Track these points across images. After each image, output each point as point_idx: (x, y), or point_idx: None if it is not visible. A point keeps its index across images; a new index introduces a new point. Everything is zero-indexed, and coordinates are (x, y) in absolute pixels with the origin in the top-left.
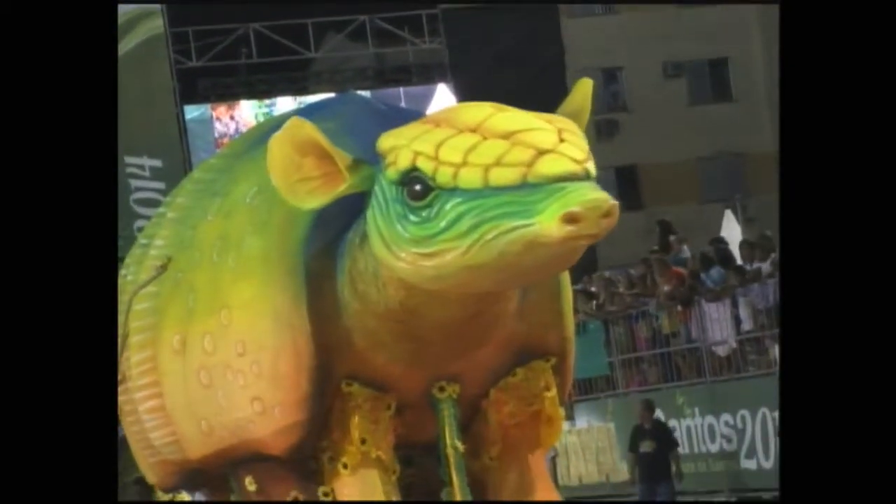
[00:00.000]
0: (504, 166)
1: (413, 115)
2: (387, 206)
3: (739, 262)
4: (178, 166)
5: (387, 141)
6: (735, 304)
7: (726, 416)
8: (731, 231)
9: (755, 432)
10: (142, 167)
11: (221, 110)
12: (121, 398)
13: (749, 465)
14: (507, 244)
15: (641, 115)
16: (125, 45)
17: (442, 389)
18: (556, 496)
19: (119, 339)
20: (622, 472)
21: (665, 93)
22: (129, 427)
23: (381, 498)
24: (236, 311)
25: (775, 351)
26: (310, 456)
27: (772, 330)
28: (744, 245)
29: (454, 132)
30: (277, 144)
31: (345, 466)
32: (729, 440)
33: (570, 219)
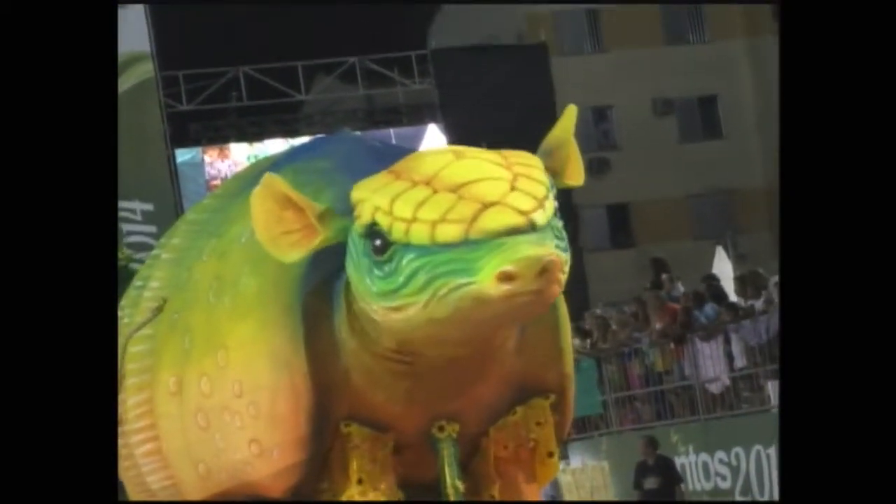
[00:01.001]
0: (448, 223)
1: (406, 152)
2: (358, 258)
3: (732, 298)
4: (169, 210)
5: (356, 192)
6: (727, 341)
7: (720, 454)
8: (723, 268)
9: (749, 470)
10: (133, 211)
11: (213, 153)
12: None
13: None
14: (457, 300)
15: (632, 152)
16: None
17: (441, 429)
18: None
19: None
20: None
21: (655, 130)
22: (126, 472)
23: None
24: (233, 352)
25: (769, 388)
26: (308, 498)
27: (765, 367)
28: (736, 282)
29: (409, 185)
30: (258, 199)
31: None
32: (723, 478)
33: (506, 277)
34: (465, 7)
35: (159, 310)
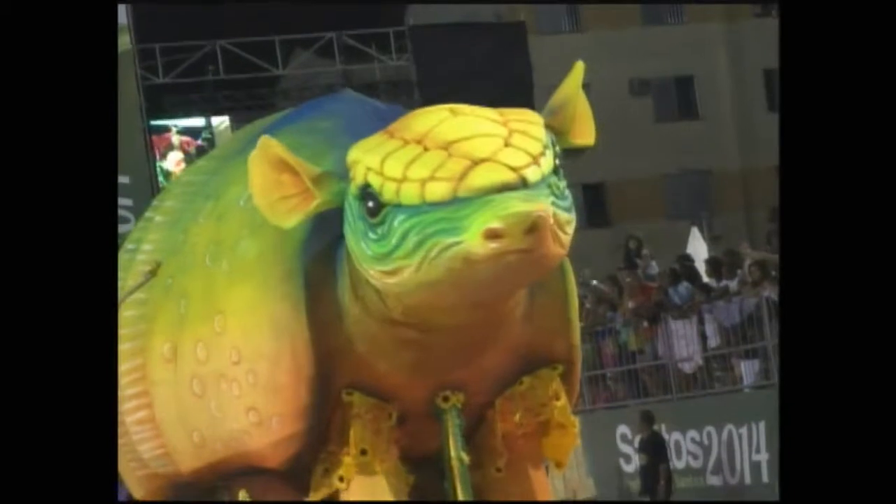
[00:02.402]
0: (437, 181)
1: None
2: (353, 222)
3: (706, 279)
4: (145, 183)
5: (352, 154)
6: (701, 322)
7: (692, 433)
8: (697, 248)
9: (721, 449)
10: None
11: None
12: None
13: (715, 481)
14: (449, 261)
15: (608, 132)
16: None
17: (446, 399)
18: None
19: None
20: (589, 488)
21: (631, 110)
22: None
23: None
24: (231, 318)
25: (741, 368)
26: (307, 469)
27: (738, 347)
28: (710, 262)
29: (401, 144)
30: (254, 163)
31: (341, 479)
32: (695, 457)
33: (492, 235)
34: None
35: (153, 273)
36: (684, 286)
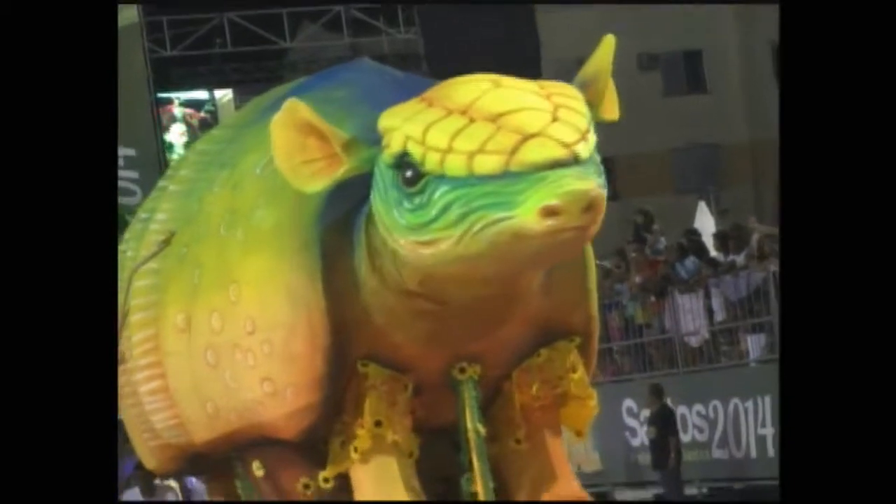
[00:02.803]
0: (487, 153)
1: (429, 83)
2: (385, 190)
3: (713, 253)
4: (152, 155)
5: (384, 120)
6: (708, 296)
7: (698, 407)
8: (705, 222)
9: (727, 423)
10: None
11: None
12: (119, 379)
13: (720, 455)
14: (494, 235)
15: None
16: None
17: (462, 370)
18: (575, 485)
19: (118, 318)
20: (594, 461)
21: (640, 84)
22: (128, 410)
23: (399, 483)
24: (246, 287)
25: (747, 342)
26: (321, 440)
27: (744, 321)
28: (717, 236)
29: (444, 113)
30: (278, 127)
31: (355, 450)
32: (700, 430)
33: (549, 212)
34: None
35: (166, 243)
36: (691, 260)
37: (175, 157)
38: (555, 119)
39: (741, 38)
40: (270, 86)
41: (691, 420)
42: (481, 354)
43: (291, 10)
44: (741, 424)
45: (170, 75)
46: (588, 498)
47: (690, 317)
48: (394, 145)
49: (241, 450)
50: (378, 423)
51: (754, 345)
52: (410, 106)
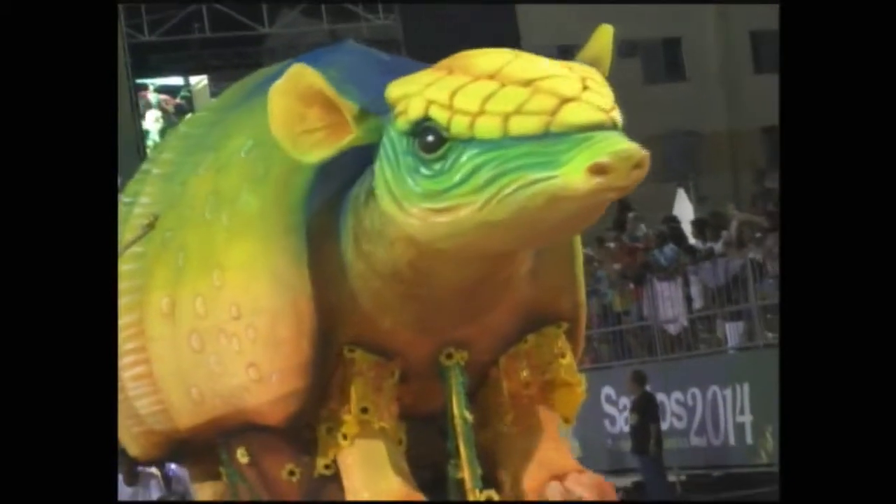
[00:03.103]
0: (525, 115)
1: (419, 66)
2: (396, 158)
3: (692, 240)
4: (129, 141)
5: (397, 89)
6: (686, 283)
7: (677, 394)
8: (684, 210)
9: (705, 410)
10: None
11: None
12: None
13: (699, 442)
14: (527, 198)
15: None
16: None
17: (450, 356)
18: (573, 462)
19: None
20: (574, 449)
21: (619, 71)
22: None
23: (388, 468)
24: (231, 272)
25: (725, 329)
26: (307, 426)
27: (722, 308)
28: (696, 224)
29: (470, 79)
30: (279, 94)
31: (344, 437)
32: (679, 418)
33: (599, 170)
34: None
35: (150, 227)
36: (670, 248)
37: (150, 143)
38: (585, 87)
39: (720, 25)
40: (248, 72)
41: (670, 407)
42: (469, 340)
43: None
44: (719, 412)
45: (148, 61)
46: (585, 473)
47: (669, 304)
48: (412, 112)
49: (226, 436)
50: (364, 410)
51: (732, 332)
52: (427, 74)
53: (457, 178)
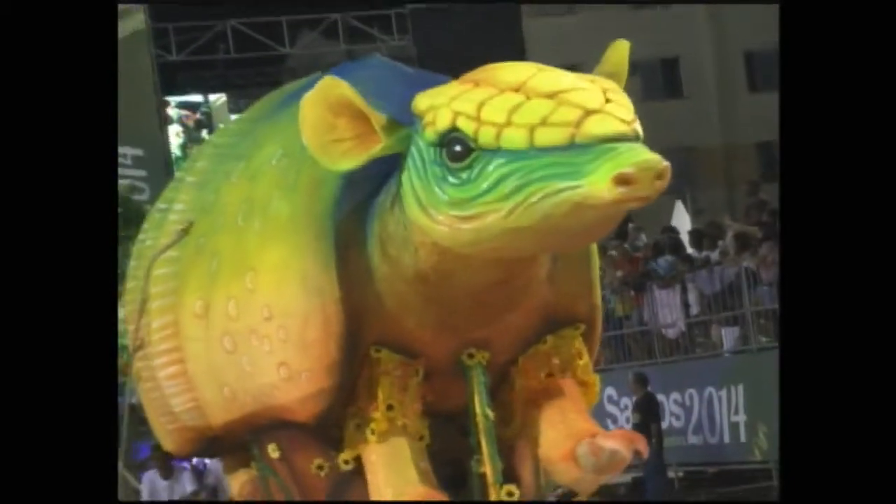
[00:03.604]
0: (550, 126)
1: (441, 80)
2: (424, 168)
3: (689, 250)
4: (158, 155)
5: (424, 101)
6: (684, 290)
7: (675, 395)
8: (682, 221)
9: (701, 410)
10: (124, 156)
11: None
12: (138, 364)
13: (695, 440)
14: (552, 206)
15: None
16: None
17: (471, 356)
18: (597, 427)
19: (137, 305)
20: None
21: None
22: (148, 394)
23: (410, 465)
24: (262, 276)
25: (721, 333)
26: (334, 423)
27: (718, 314)
28: (693, 234)
29: (496, 92)
30: (310, 104)
31: (372, 433)
32: (677, 417)
33: (623, 180)
34: None
35: (185, 232)
36: (669, 257)
37: (172, 157)
38: (608, 100)
39: (715, 45)
40: (269, 90)
41: (668, 408)
42: (490, 340)
43: (291, 18)
44: (715, 412)
45: (175, 79)
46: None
47: (668, 310)
48: (440, 123)
49: (257, 432)
50: (390, 407)
51: (728, 337)
52: (453, 87)
53: (483, 186)
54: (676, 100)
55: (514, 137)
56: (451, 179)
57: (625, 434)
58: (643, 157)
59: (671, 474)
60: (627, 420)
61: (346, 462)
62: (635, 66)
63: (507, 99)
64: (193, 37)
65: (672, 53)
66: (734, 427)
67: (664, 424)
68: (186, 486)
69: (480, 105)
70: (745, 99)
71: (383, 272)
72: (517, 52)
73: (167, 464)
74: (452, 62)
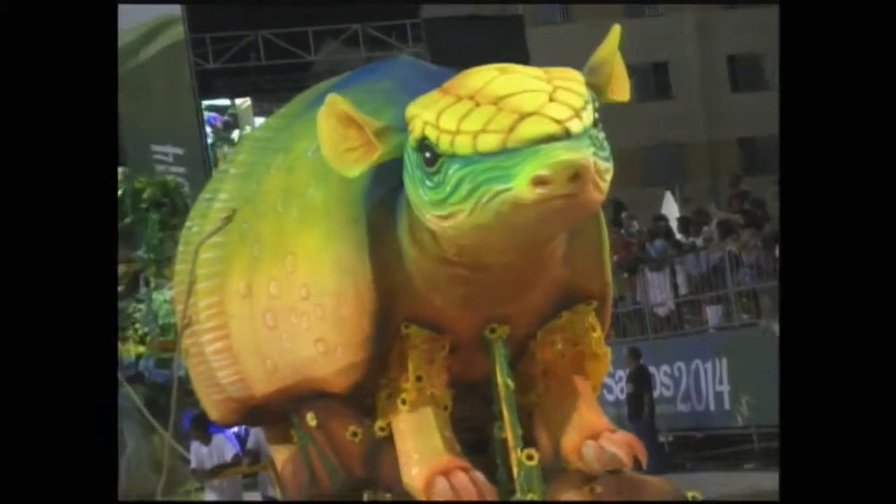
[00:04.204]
0: (488, 133)
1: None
2: (412, 171)
3: (677, 235)
4: (197, 153)
5: (410, 109)
6: (673, 273)
7: (665, 367)
8: (671, 209)
9: (689, 381)
10: (166, 154)
11: None
12: (187, 341)
13: (684, 408)
14: (498, 205)
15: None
16: (152, 49)
17: (493, 331)
18: (606, 421)
19: (185, 286)
20: None
21: None
22: (195, 368)
23: (435, 432)
24: (301, 258)
25: (706, 312)
26: (368, 394)
27: (704, 294)
28: (681, 221)
29: (455, 100)
30: (323, 119)
31: (403, 402)
32: (667, 387)
33: (539, 181)
34: None
35: (229, 219)
36: (659, 242)
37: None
38: (552, 99)
39: (701, 51)
40: (296, 93)
41: (659, 379)
42: (510, 316)
43: (316, 29)
44: (701, 382)
45: (212, 85)
46: (617, 432)
47: (658, 290)
48: (416, 130)
49: (296, 402)
50: (419, 378)
51: (713, 314)
52: (431, 95)
53: (448, 189)
54: (666, 100)
55: (463, 144)
56: (427, 182)
57: (628, 440)
58: (557, 158)
59: (662, 439)
60: (622, 391)
61: (382, 429)
62: (629, 70)
63: (461, 107)
64: (228, 46)
65: (662, 58)
66: (718, 396)
67: (655, 394)
68: (229, 451)
69: (440, 114)
70: (728, 99)
71: (412, 255)
72: (521, 57)
73: (204, 432)
74: (462, 67)
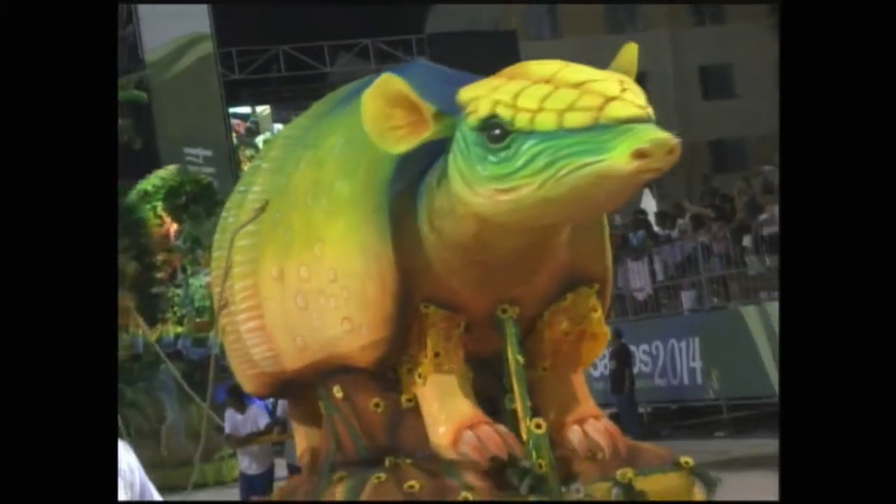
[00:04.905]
0: (577, 111)
1: (473, 79)
2: (468, 149)
3: (655, 228)
4: (224, 155)
5: (467, 93)
6: (651, 261)
7: (644, 346)
8: (649, 204)
9: (665, 358)
10: (197, 156)
11: None
12: (223, 321)
13: (661, 382)
14: (578, 178)
15: None
16: (185, 62)
17: (504, 311)
18: (593, 407)
19: (222, 271)
20: None
21: None
22: (231, 345)
23: (458, 392)
24: (329, 245)
25: (681, 296)
26: (390, 368)
27: (679, 280)
28: (658, 215)
29: (529, 83)
30: (371, 97)
31: (419, 376)
32: (645, 364)
33: (640, 154)
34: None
35: (262, 210)
36: (639, 233)
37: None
38: (624, 89)
39: (676, 63)
40: (313, 101)
41: (639, 356)
42: (519, 298)
43: (331, 43)
44: (676, 359)
45: (238, 94)
46: (604, 416)
47: (638, 277)
48: (481, 110)
49: (324, 376)
50: (437, 354)
51: (687, 298)
52: (492, 81)
53: (519, 163)
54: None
55: (546, 121)
56: (491, 158)
57: (610, 431)
58: (657, 135)
59: (641, 410)
60: (605, 367)
61: (409, 401)
62: None
63: (540, 89)
64: (252, 59)
65: (641, 69)
66: (692, 371)
67: (635, 370)
68: (262, 420)
69: (516, 94)
70: (700, 105)
71: (431, 241)
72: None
73: (240, 400)
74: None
